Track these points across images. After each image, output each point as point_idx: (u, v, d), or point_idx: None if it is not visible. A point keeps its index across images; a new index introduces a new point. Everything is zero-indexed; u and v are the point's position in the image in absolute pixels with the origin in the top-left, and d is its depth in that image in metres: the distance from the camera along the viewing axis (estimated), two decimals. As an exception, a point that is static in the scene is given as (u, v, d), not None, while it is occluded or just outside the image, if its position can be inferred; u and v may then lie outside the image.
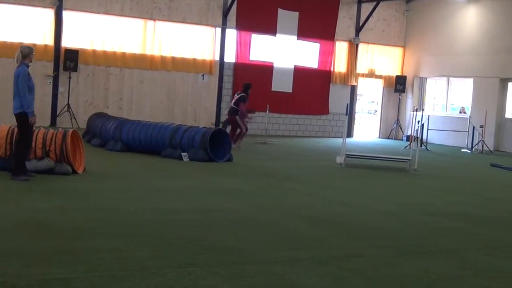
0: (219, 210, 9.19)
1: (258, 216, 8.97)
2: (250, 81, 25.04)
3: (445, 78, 27.81)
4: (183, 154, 14.96)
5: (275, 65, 25.95)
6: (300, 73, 26.46)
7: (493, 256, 7.44)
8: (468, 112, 26.18)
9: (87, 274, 5.64)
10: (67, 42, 22.42)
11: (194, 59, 24.45)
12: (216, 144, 15.18)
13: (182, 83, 24.39)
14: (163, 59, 23.88)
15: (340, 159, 15.96)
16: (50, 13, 22.16)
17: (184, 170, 13.46)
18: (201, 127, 16.26)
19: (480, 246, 8.04)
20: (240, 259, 6.51)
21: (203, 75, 24.61)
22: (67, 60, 22.09)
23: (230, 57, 25.24)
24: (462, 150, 24.01)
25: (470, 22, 26.50)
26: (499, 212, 10.75)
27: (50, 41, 22.22)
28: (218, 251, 6.77)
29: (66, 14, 22.40)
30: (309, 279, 5.92)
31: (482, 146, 23.90)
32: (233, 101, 19.24)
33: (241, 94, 18.90)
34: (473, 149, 23.90)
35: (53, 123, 22.19)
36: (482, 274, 6.59)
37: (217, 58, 24.88)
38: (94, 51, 22.84)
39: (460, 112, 27.04)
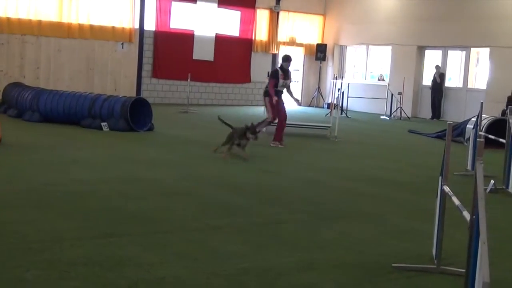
0: (140, 179, 9.10)
1: (179, 185, 8.93)
2: (171, 49, 24.94)
3: (365, 46, 28.20)
4: (102, 124, 14.73)
5: (196, 33, 25.68)
6: (221, 42, 26.29)
7: (410, 220, 7.63)
8: (387, 80, 26.64)
9: (3, 247, 5.51)
10: (-21, 10, 21.60)
11: (113, 27, 23.93)
12: (137, 113, 14.98)
13: (101, 52, 23.87)
14: (81, 27, 23.27)
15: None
16: (-40, -21, 21.28)
17: (104, 140, 13.25)
18: (121, 96, 16.01)
19: (398, 210, 8.24)
20: (161, 228, 6.47)
21: (122, 44, 24.16)
22: (-21, 28, 21.30)
23: (150, 25, 24.83)
24: (381, 117, 24.46)
25: (388, -10, 26.89)
26: (416, 177, 11.02)
27: (-39, 8, 21.37)
28: (139, 220, 6.72)
29: (-23, -20, 21.55)
30: (230, 246, 5.95)
31: (400, 112, 24.40)
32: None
33: (273, 69, 14.83)
34: (392, 115, 24.38)
35: (-34, 94, 21.43)
36: (400, 236, 6.76)
37: (136, 26, 24.42)
38: (8, 19, 22.03)
39: (379, 80, 27.49)
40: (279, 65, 14.36)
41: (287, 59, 14.54)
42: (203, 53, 25.85)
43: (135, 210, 7.19)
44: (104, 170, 9.81)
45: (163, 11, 24.82)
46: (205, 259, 5.51)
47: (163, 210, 7.31)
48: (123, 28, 24.07)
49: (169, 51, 24.99)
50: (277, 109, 14.25)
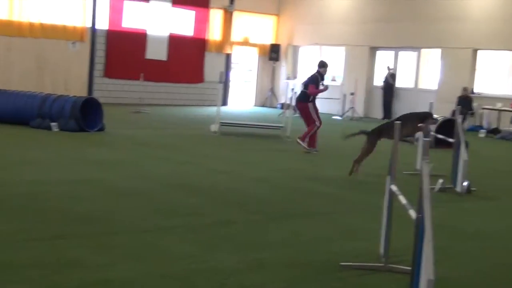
0: (90, 180, 9.00)
1: (130, 185, 8.86)
2: (123, 48, 24.72)
3: (318, 47, 28.37)
4: (52, 124, 14.52)
5: (148, 32, 25.49)
6: (175, 41, 26.16)
7: (359, 218, 7.71)
8: (340, 80, 26.82)
9: None
10: None
11: (65, 26, 23.61)
12: (88, 113, 14.81)
13: (52, 51, 23.52)
14: (31, 25, 22.91)
15: (214, 128, 16.00)
16: None
17: (54, 141, 13.07)
18: (71, 96, 15.81)
19: (348, 209, 8.31)
20: (110, 229, 6.42)
21: (74, 43, 23.87)
22: None
23: (102, 24, 24.56)
24: (333, 117, 24.61)
25: (341, -9, 27.11)
26: (367, 176, 10.99)
27: None
28: (88, 222, 6.64)
29: None
30: (180, 247, 5.92)
31: (353, 112, 24.63)
32: (303, 82, 14.85)
33: (312, 74, 14.45)
34: (344, 115, 24.58)
35: None
36: (349, 235, 6.82)
37: (88, 25, 24.16)
38: (-44, 17, 21.66)
39: (332, 80, 27.64)
40: (316, 71, 14.35)
41: (325, 64, 14.42)
42: (156, 52, 25.69)
43: (84, 211, 7.11)
44: (53, 171, 9.68)
45: (115, 10, 24.59)
46: (154, 260, 5.48)
47: (113, 211, 7.24)
48: (74, 27, 23.78)
49: (121, 50, 24.78)
50: (317, 114, 14.25)
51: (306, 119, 14.26)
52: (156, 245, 5.94)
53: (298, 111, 14.53)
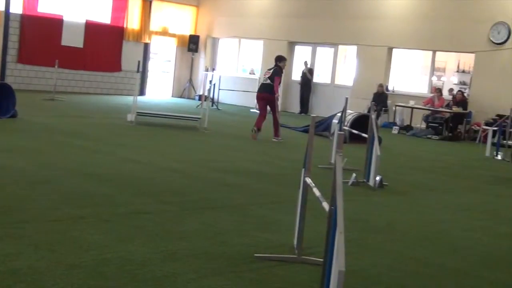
0: (0, 167, 8.72)
1: (41, 173, 8.63)
2: (38, 34, 24.12)
3: (237, 39, 28.39)
4: (-39, 109, 14.03)
5: (65, 18, 24.93)
6: (92, 28, 25.67)
7: (274, 211, 7.75)
8: (258, 74, 26.93)
9: None
10: None
11: (-24, 9, 22.88)
12: (-1, 99, 14.38)
13: (-37, 34, 22.74)
14: None
15: (131, 117, 15.80)
16: None
17: (-38, 126, 12.63)
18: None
19: (262, 201, 8.33)
20: (18, 218, 6.22)
21: (-14, 26, 23.10)
22: None
23: (16, 8, 23.84)
24: (251, 110, 24.69)
25: (261, -15, 27.21)
26: (282, 169, 11.20)
27: None
28: (-4, 210, 6.44)
29: None
30: (92, 236, 5.81)
31: (270, 106, 24.73)
32: (266, 75, 15.43)
33: (275, 68, 15.31)
34: (262, 109, 24.67)
35: None
36: (263, 227, 6.84)
37: (1, 8, 23.41)
38: None
39: (250, 73, 27.76)
40: (275, 65, 15.36)
41: (284, 59, 15.65)
42: (72, 39, 25.16)
43: (-8, 199, 6.89)
44: (-40, 157, 9.35)
45: (31, -7, 23.94)
46: (64, 250, 5.34)
47: (22, 199, 7.03)
48: (-13, 10, 23.02)
49: (36, 35, 24.15)
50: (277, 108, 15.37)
51: (264, 110, 15.33)
52: (67, 235, 5.79)
53: (261, 101, 15.58)
